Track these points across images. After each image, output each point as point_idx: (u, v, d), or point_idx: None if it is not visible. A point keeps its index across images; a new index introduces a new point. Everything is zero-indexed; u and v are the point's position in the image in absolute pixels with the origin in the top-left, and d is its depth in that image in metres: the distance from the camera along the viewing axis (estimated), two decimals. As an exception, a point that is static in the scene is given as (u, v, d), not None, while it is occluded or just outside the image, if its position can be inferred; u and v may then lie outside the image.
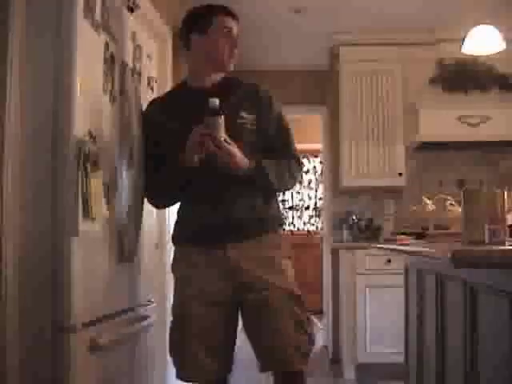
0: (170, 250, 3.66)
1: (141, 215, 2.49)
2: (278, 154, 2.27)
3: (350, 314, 4.58)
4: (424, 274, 2.72)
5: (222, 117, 2.06)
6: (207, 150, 2.08)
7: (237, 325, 2.25)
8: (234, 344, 2.25)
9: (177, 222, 2.33)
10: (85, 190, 1.93)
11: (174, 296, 2.26)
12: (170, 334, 2.24)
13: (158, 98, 2.47)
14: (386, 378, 4.19)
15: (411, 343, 3.03)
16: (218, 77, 2.29)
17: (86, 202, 1.94)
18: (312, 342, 2.21)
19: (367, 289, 4.52)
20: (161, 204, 2.47)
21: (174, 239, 2.34)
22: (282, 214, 2.46)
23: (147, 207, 2.58)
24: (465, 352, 2.01)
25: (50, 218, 1.91)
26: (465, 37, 3.67)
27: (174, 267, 2.32)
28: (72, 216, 1.90)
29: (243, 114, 2.21)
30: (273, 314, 2.14)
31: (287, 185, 2.33)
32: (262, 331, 2.16)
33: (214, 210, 2.19)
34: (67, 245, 1.89)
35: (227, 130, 2.09)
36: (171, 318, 2.26)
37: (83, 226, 1.93)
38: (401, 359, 3.27)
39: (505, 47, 3.62)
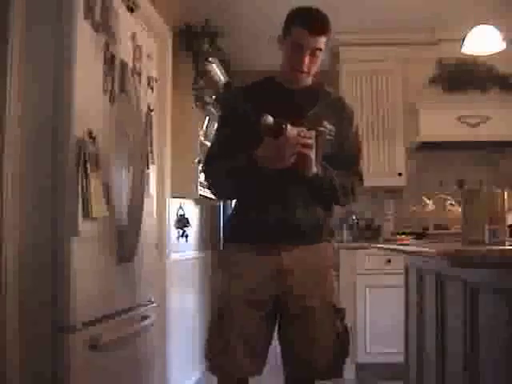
0: (170, 250, 3.71)
1: (141, 215, 2.49)
2: (345, 168, 2.28)
3: (350, 314, 4.53)
4: (424, 274, 2.71)
5: (288, 126, 2.02)
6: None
7: (274, 329, 2.24)
8: (268, 348, 2.23)
9: (234, 220, 2.30)
10: (85, 190, 1.93)
11: (220, 292, 2.23)
12: (210, 329, 2.21)
13: (239, 86, 2.47)
14: (386, 378, 4.18)
15: (411, 343, 3.03)
16: (307, 81, 2.29)
17: (86, 202, 1.94)
18: (347, 354, 2.28)
19: (367, 289, 4.52)
20: (224, 194, 2.41)
21: (230, 237, 2.30)
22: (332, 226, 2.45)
23: (147, 207, 2.59)
24: (465, 352, 2.01)
25: (50, 217, 1.91)
26: (465, 37, 3.67)
27: (225, 264, 2.27)
28: (72, 216, 1.90)
29: (325, 123, 2.21)
30: (315, 325, 2.17)
31: (347, 198, 2.31)
32: (300, 339, 2.18)
33: (276, 209, 2.16)
34: (67, 245, 1.89)
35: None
36: (212, 314, 2.22)
37: (83, 226, 1.93)
38: (401, 359, 3.26)
39: (505, 47, 3.62)
